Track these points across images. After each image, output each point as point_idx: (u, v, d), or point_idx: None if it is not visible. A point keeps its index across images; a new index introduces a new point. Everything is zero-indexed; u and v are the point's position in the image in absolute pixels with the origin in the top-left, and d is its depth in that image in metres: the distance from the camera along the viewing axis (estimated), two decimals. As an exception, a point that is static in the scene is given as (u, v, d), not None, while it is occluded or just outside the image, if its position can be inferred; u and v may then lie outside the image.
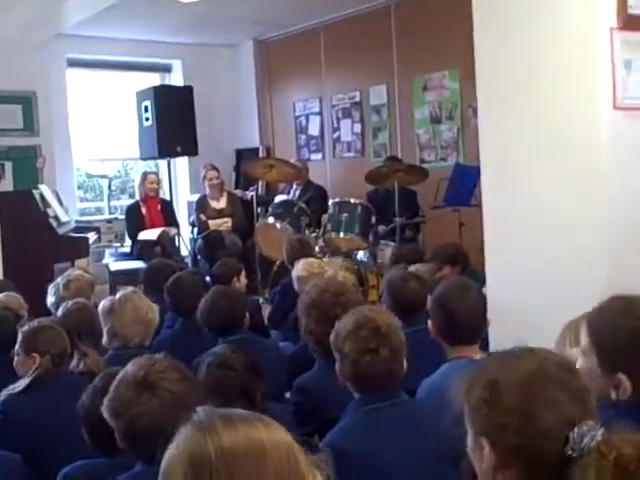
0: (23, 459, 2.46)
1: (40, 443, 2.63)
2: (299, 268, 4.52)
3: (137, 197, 8.00)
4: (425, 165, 7.29)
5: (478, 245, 3.53)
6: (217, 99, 9.11)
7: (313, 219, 6.80)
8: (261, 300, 5.92)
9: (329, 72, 8.62)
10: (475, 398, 1.31)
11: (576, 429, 1.20)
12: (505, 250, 3.33)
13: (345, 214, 6.32)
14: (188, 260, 7.78)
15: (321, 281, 3.40)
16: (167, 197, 8.22)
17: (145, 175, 7.86)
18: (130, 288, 3.65)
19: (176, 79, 9.31)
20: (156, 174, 8.17)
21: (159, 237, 7.29)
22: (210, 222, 7.58)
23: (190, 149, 8.18)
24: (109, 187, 8.78)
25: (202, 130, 8.25)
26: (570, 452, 1.19)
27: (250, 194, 7.79)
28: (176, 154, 8.27)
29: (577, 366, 1.62)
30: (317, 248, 6.19)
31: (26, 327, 3.02)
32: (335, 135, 8.72)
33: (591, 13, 2.97)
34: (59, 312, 3.64)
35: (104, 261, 7.81)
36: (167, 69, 9.43)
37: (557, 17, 3.07)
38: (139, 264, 6.70)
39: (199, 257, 7.56)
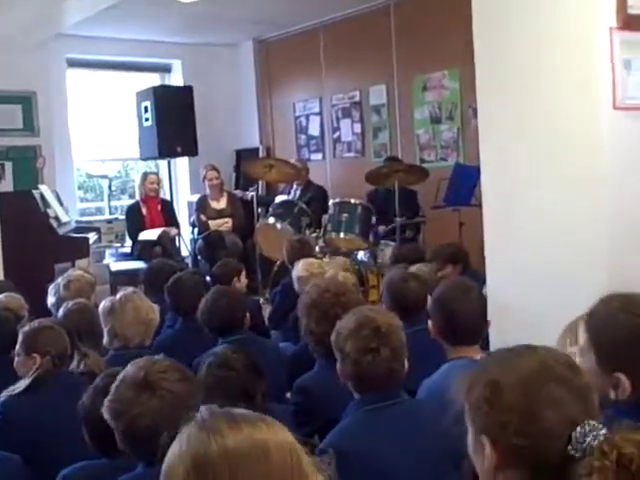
0: (23, 460, 2.46)
1: (40, 444, 2.62)
2: (299, 268, 4.52)
3: (137, 197, 8.00)
4: (425, 165, 7.29)
5: (478, 245, 3.53)
6: (217, 99, 9.11)
7: (313, 219, 6.80)
8: (261, 300, 5.91)
9: (329, 72, 8.62)
10: (476, 397, 1.30)
11: (578, 428, 1.20)
12: (505, 250, 3.33)
13: (345, 214, 6.32)
14: (188, 260, 7.78)
15: (322, 281, 3.40)
16: (167, 197, 8.22)
17: (145, 175, 7.86)
18: (130, 288, 3.65)
19: (176, 79, 9.32)
20: (156, 174, 8.17)
21: (159, 237, 7.29)
22: (210, 222, 7.58)
23: (190, 149, 8.18)
24: (109, 187, 8.78)
25: (202, 130, 8.25)
26: (572, 452, 1.19)
27: (250, 194, 7.78)
28: (176, 154, 8.27)
29: None
30: (317, 248, 6.19)
31: (26, 327, 3.02)
32: (335, 135, 8.72)
33: (591, 13, 2.97)
34: (60, 312, 3.64)
35: (105, 261, 7.81)
36: (167, 69, 9.43)
37: (557, 17, 3.07)
38: (139, 264, 6.70)
39: (199, 257, 7.56)
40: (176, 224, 7.83)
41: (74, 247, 6.45)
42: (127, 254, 7.66)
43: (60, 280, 4.32)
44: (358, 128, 8.46)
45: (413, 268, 4.25)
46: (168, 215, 7.82)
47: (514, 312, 3.17)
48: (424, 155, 7.75)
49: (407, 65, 7.74)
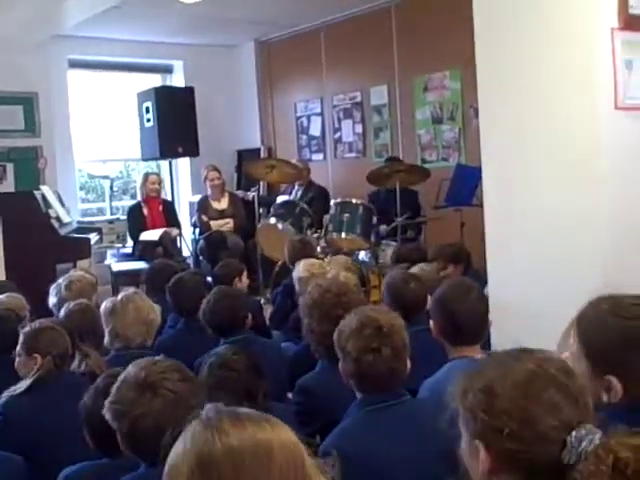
0: (24, 460, 2.46)
1: (41, 444, 2.62)
2: (300, 269, 4.52)
3: (139, 198, 8.01)
4: (426, 165, 7.29)
5: (479, 245, 3.53)
6: (218, 100, 9.12)
7: (315, 220, 6.80)
8: (263, 300, 5.91)
9: (330, 72, 8.62)
10: (471, 402, 1.30)
11: (574, 433, 1.20)
12: (506, 250, 3.34)
13: (347, 214, 6.32)
14: (190, 261, 7.79)
15: (323, 281, 3.41)
16: (169, 198, 8.22)
17: (147, 176, 7.87)
18: (132, 289, 3.65)
19: (177, 80, 9.32)
20: (158, 175, 8.18)
21: (161, 238, 7.30)
22: (212, 223, 7.59)
23: (191, 150, 8.18)
24: (111, 188, 8.78)
25: (203, 131, 8.25)
26: (568, 456, 1.19)
27: (252, 195, 7.79)
28: (177, 155, 8.28)
29: None
30: (319, 249, 6.19)
31: (27, 328, 3.02)
32: (336, 135, 8.73)
33: (592, 14, 2.97)
34: (61, 313, 3.63)
35: (106, 262, 7.81)
36: (168, 70, 9.44)
37: (558, 17, 3.07)
38: (141, 265, 6.70)
39: (201, 258, 7.57)
40: (177, 224, 7.84)
41: (75, 248, 6.45)
42: (128, 254, 7.66)
43: (61, 280, 4.32)
44: (359, 128, 8.46)
45: (415, 268, 4.25)
46: (169, 215, 7.82)
47: (515, 311, 3.17)
48: (425, 155, 7.75)
49: (408, 65, 7.74)
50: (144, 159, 8.63)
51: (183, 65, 9.26)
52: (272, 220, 6.80)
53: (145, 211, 7.66)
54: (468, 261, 4.74)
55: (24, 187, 7.36)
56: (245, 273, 5.02)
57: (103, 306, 3.47)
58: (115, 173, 9.29)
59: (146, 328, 3.40)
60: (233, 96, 9.43)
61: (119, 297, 3.45)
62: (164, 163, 8.86)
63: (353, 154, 8.56)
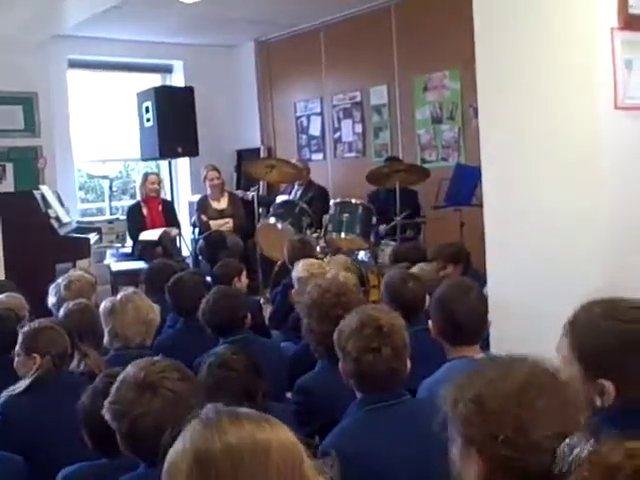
0: (23, 460, 2.46)
1: (40, 444, 2.62)
2: (299, 269, 4.51)
3: (138, 198, 8.00)
4: (426, 165, 7.29)
5: (479, 245, 3.53)
6: (218, 100, 9.11)
7: (314, 219, 6.80)
8: (262, 300, 5.91)
9: (330, 72, 8.62)
10: (464, 408, 1.30)
11: (567, 441, 1.20)
12: (506, 249, 3.33)
13: (346, 214, 6.32)
14: (189, 260, 7.79)
15: (323, 281, 3.40)
16: (168, 198, 8.22)
17: (146, 176, 7.87)
18: (131, 289, 3.65)
19: (177, 80, 9.32)
20: (157, 175, 8.18)
21: (160, 237, 7.30)
22: (211, 222, 7.59)
23: (191, 150, 8.18)
24: (110, 188, 8.78)
25: (203, 131, 8.25)
26: (559, 465, 1.19)
27: (251, 194, 7.79)
28: (177, 155, 8.27)
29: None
30: (318, 248, 6.19)
31: (27, 328, 3.02)
32: (336, 135, 8.72)
33: (592, 13, 2.97)
34: (60, 313, 3.63)
35: (105, 262, 7.81)
36: (168, 70, 9.43)
37: (558, 17, 3.07)
38: (140, 265, 6.70)
39: (200, 257, 7.57)
40: (177, 224, 7.84)
41: (75, 247, 6.45)
42: (128, 254, 7.66)
43: (61, 280, 4.32)
44: (359, 128, 8.46)
45: (415, 268, 4.24)
46: (169, 215, 7.83)
47: (515, 311, 3.17)
48: (425, 155, 7.75)
49: (408, 65, 7.74)
50: (144, 159, 8.63)
51: (183, 65, 9.26)
52: (272, 220, 6.80)
53: (144, 211, 7.66)
54: (468, 261, 4.74)
55: (24, 187, 7.36)
56: (244, 273, 5.02)
57: (102, 306, 3.47)
58: (114, 173, 9.29)
59: (145, 328, 3.40)
60: (233, 96, 9.43)
61: (118, 297, 3.45)
62: (164, 163, 8.86)
63: (353, 154, 8.56)
